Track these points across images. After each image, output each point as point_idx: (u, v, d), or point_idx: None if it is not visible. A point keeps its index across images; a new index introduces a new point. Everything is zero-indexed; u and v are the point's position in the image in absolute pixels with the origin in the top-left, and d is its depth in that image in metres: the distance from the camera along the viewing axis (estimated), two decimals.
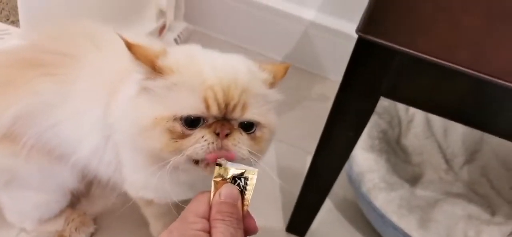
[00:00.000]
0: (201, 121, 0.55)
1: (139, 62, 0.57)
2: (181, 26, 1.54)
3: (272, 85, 0.63)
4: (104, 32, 0.79)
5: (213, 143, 0.54)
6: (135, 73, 0.60)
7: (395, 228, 0.98)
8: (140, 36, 0.95)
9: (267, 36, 1.68)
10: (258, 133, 0.60)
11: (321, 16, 1.60)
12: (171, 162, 0.55)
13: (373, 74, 0.71)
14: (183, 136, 0.55)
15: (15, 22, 1.29)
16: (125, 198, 0.85)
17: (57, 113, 0.73)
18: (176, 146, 0.55)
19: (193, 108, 0.55)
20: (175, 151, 0.55)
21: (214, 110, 0.55)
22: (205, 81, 0.55)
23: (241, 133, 0.57)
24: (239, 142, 0.56)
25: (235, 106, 0.56)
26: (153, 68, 0.57)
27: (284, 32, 1.65)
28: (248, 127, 0.58)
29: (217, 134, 0.55)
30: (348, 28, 1.52)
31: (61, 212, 0.95)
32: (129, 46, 0.56)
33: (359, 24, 0.66)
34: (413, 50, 0.64)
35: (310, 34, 1.62)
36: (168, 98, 0.56)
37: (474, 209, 1.11)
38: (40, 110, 0.73)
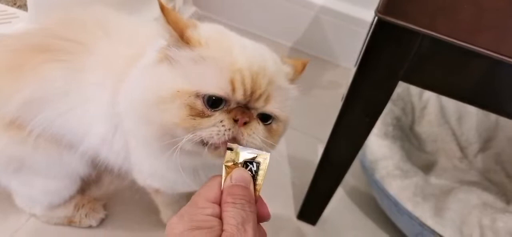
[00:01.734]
0: (223, 103, 0.53)
1: (169, 27, 0.55)
2: (190, 10, 1.53)
3: (291, 80, 0.62)
4: (113, 19, 0.77)
5: (230, 129, 0.52)
6: (159, 39, 0.58)
7: (410, 216, 0.97)
8: (149, 20, 0.93)
9: (277, 22, 1.66)
10: (274, 125, 0.58)
11: (332, 0, 1.57)
12: (183, 140, 0.53)
13: (392, 58, 0.69)
14: (202, 115, 0.53)
15: (21, 7, 1.28)
16: (135, 185, 0.84)
17: (65, 100, 0.72)
18: (193, 124, 0.52)
19: (219, 88, 0.52)
20: (190, 128, 0.53)
21: (239, 95, 0.53)
22: (235, 62, 0.53)
23: (258, 123, 0.55)
24: (255, 132, 0.54)
25: (260, 96, 0.54)
26: (181, 36, 0.55)
27: (294, 18, 1.63)
28: (265, 118, 0.57)
29: (235, 121, 0.53)
30: (361, 13, 1.50)
31: (71, 198, 0.94)
32: (162, 8, 0.54)
33: (379, 5, 0.64)
34: (434, 32, 0.62)
35: (321, 19, 1.60)
36: (193, 72, 0.54)
37: (488, 197, 1.09)
38: (48, 97, 0.71)
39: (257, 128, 0.55)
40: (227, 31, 0.61)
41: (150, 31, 0.73)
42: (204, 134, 0.52)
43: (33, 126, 0.73)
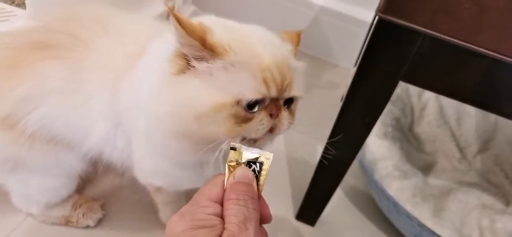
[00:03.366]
0: (260, 102, 0.54)
1: (190, 39, 0.52)
2: (189, 9, 1.52)
3: (295, 55, 0.62)
4: (112, 16, 0.76)
5: (268, 123, 0.54)
6: (164, 44, 0.57)
7: (409, 216, 0.96)
8: (148, 18, 0.93)
9: (276, 22, 1.66)
10: (293, 106, 0.60)
11: (332, 1, 1.57)
12: (225, 143, 0.53)
13: (393, 57, 0.68)
14: (245, 120, 0.53)
15: (20, 5, 1.27)
16: (133, 185, 0.84)
17: (65, 100, 0.71)
18: (239, 131, 0.53)
19: (256, 91, 0.52)
20: (236, 135, 0.54)
21: (273, 92, 0.54)
22: (262, 60, 0.53)
23: (285, 111, 0.57)
24: (285, 119, 0.56)
25: (287, 85, 0.55)
26: (204, 45, 0.52)
27: (293, 17, 1.62)
28: (289, 102, 0.58)
29: (270, 115, 0.54)
30: (360, 13, 1.50)
31: (68, 198, 0.93)
32: (178, 20, 0.51)
33: (379, 4, 0.64)
34: (435, 31, 0.62)
35: (321, 19, 1.60)
36: (226, 80, 0.53)
37: (488, 199, 1.09)
38: (46, 94, 0.71)
39: (285, 116, 0.57)
40: (231, 22, 0.61)
41: (149, 29, 0.72)
42: (252, 135, 0.55)
43: (29, 123, 0.72)
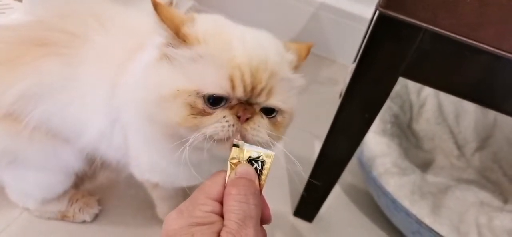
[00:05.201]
0: (224, 101, 0.52)
1: (164, 25, 0.53)
2: (187, 4, 1.52)
3: (296, 67, 0.60)
4: (111, 12, 0.76)
5: (233, 125, 0.51)
6: (157, 36, 0.56)
7: (407, 213, 0.96)
8: (146, 12, 0.92)
9: (275, 17, 1.66)
10: (279, 118, 0.57)
11: None
12: (191, 140, 0.51)
13: (393, 53, 0.68)
14: (203, 113, 0.52)
15: None
16: (130, 180, 0.83)
17: (63, 95, 0.71)
18: (195, 123, 0.51)
19: (218, 86, 0.51)
20: (193, 127, 0.52)
21: (239, 92, 0.51)
22: (234, 58, 0.51)
23: (262, 117, 0.54)
24: (259, 126, 0.53)
25: (261, 91, 0.52)
26: (177, 34, 0.53)
27: (292, 13, 1.62)
28: (269, 111, 0.55)
29: (238, 117, 0.51)
30: (359, 10, 1.49)
31: (64, 193, 0.93)
32: (155, 5, 0.52)
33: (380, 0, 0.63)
34: (435, 27, 0.61)
35: (320, 15, 1.59)
36: (192, 70, 0.52)
37: (486, 196, 1.09)
38: (46, 91, 0.70)
39: (261, 122, 0.53)
40: (226, 22, 0.59)
41: (147, 24, 0.72)
42: (209, 131, 0.51)
43: (29, 119, 0.71)
